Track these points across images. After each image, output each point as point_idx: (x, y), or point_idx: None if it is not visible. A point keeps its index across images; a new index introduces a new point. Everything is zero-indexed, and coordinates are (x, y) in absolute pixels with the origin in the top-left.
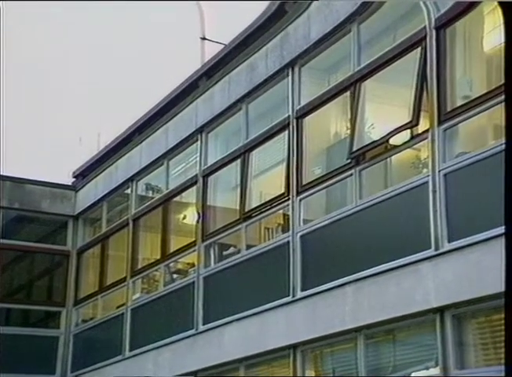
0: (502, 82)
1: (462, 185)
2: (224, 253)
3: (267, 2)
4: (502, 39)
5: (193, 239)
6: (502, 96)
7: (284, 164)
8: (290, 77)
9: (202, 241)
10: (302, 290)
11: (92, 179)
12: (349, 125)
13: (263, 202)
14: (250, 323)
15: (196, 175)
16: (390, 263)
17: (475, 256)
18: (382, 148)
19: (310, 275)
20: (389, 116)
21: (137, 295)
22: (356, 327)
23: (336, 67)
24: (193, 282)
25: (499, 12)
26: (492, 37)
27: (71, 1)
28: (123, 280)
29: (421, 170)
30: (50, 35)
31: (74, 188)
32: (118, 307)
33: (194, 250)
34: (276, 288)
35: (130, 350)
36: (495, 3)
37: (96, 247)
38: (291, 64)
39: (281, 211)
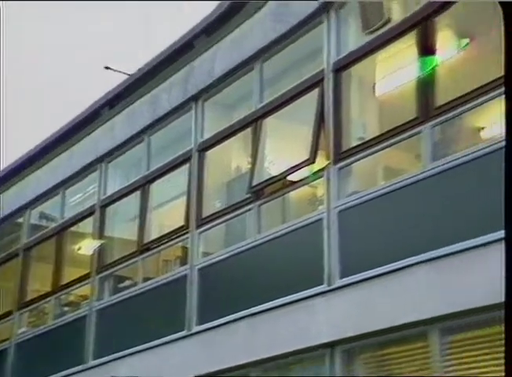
0: (393, 126)
1: (355, 223)
2: (120, 285)
3: (177, 35)
4: (393, 86)
5: (88, 270)
6: (393, 139)
7: (185, 197)
8: (193, 111)
9: (98, 273)
10: (198, 324)
11: None
12: (249, 160)
13: (162, 234)
14: (145, 358)
15: (94, 205)
16: (285, 298)
17: (365, 292)
18: (280, 183)
19: (207, 309)
20: (289, 153)
21: (23, 329)
22: (250, 362)
23: (239, 103)
24: (85, 315)
25: (389, 60)
26: (383, 83)
27: None
28: (10, 313)
29: (317, 207)
30: None
31: None
32: (1, 342)
33: (88, 283)
34: (172, 322)
35: None
36: (389, 52)
37: None
38: (195, 98)
39: (180, 244)
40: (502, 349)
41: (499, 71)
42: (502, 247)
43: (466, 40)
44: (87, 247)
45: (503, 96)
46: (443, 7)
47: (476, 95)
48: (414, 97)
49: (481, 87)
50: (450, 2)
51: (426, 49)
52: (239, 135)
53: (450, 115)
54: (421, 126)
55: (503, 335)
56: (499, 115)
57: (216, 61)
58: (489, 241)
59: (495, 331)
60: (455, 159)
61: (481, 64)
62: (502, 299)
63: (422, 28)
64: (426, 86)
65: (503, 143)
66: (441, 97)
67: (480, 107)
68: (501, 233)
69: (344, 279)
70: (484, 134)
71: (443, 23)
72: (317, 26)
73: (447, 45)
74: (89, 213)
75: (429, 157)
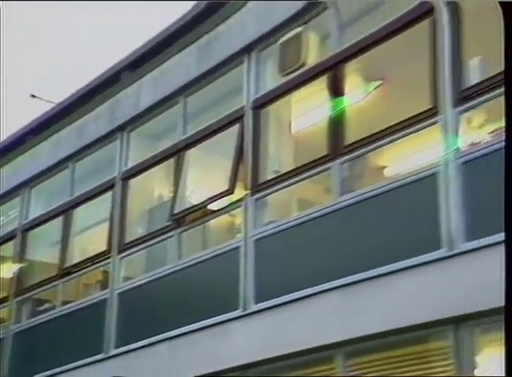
0: (306, 161)
1: (270, 251)
2: (39, 308)
3: (106, 67)
4: (306, 125)
5: (7, 294)
6: (306, 174)
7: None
8: (119, 140)
9: (16, 296)
10: (116, 347)
11: None
12: (172, 189)
13: (84, 258)
14: None
15: (15, 229)
16: (203, 322)
17: (278, 317)
18: (201, 212)
19: (126, 332)
20: (210, 183)
21: None
22: None
23: (164, 134)
24: (1, 338)
25: (304, 101)
26: (298, 122)
27: None
28: None
29: (235, 235)
30: None
31: None
32: None
33: (6, 306)
34: (89, 345)
35: None
36: (304, 93)
37: None
38: (121, 129)
39: (102, 268)
40: (399, 370)
41: (407, 112)
42: (405, 275)
43: (375, 83)
44: (7, 270)
45: (407, 137)
46: (354, 54)
47: (380, 136)
48: (325, 136)
49: (386, 129)
50: (361, 50)
51: (337, 91)
52: (163, 165)
53: (357, 153)
54: (331, 162)
55: (400, 358)
56: (400, 155)
57: (142, 94)
58: (392, 270)
59: (395, 353)
60: (361, 194)
61: (388, 106)
62: (402, 325)
63: (333, 72)
64: (335, 125)
65: (405, 180)
66: (350, 137)
67: (384, 147)
68: (403, 263)
69: (258, 304)
70: (386, 172)
71: (353, 68)
72: (238, 65)
73: (356, 88)
74: (10, 237)
75: (337, 191)
